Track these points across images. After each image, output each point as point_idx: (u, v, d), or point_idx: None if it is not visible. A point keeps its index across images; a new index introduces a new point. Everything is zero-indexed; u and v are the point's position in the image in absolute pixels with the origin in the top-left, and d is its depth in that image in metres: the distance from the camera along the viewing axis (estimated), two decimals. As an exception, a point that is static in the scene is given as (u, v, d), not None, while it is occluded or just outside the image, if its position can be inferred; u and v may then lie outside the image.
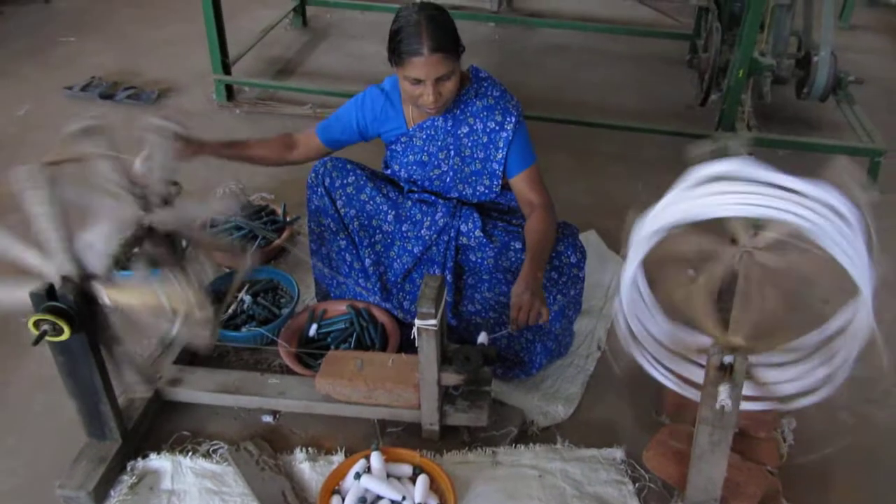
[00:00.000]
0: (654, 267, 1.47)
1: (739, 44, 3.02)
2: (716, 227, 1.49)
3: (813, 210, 1.27)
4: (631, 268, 1.44)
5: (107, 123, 1.63)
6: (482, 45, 4.40)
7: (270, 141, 2.17)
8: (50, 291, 1.52)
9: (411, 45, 1.83)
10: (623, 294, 1.48)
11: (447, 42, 1.85)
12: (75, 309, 1.53)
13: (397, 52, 1.87)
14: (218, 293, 2.05)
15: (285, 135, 2.19)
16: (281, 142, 2.16)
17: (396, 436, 1.94)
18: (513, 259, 2.05)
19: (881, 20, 4.93)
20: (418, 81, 1.87)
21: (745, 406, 1.50)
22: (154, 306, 1.54)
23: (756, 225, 1.53)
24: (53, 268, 1.53)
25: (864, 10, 5.01)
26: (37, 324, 1.53)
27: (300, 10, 4.53)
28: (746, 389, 1.46)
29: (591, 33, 4.51)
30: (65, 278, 1.53)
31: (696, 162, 1.38)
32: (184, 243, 1.82)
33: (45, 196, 1.49)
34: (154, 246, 1.69)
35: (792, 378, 1.46)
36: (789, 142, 3.20)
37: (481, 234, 2.07)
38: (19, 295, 1.54)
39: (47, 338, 1.55)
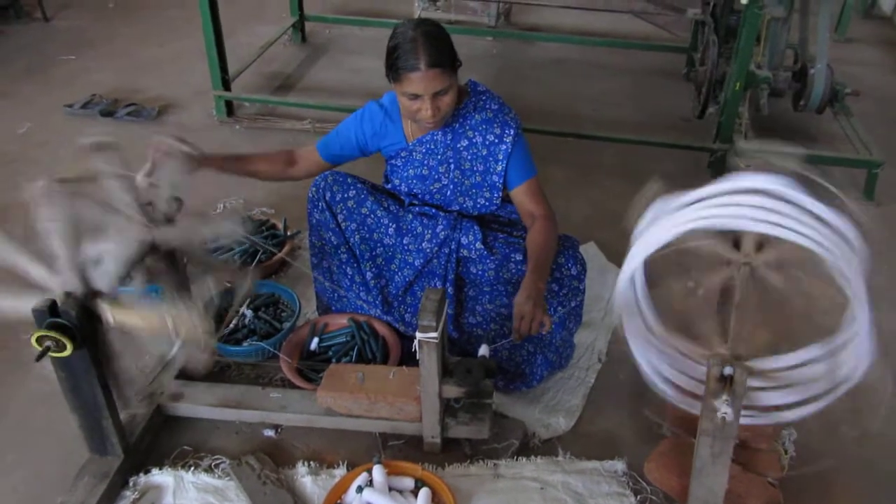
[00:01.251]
0: (654, 274, 1.48)
1: (736, 57, 3.05)
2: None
3: (819, 231, 1.27)
4: (631, 266, 1.44)
5: (116, 141, 1.64)
6: (481, 60, 4.43)
7: (272, 156, 2.19)
8: (52, 308, 1.53)
9: (408, 61, 1.84)
10: (620, 289, 1.47)
11: (444, 57, 1.87)
12: (77, 325, 1.54)
13: (395, 68, 1.88)
14: (218, 310, 2.05)
15: (287, 150, 2.21)
16: (282, 157, 2.18)
17: (398, 449, 1.94)
18: (513, 271, 2.06)
19: (877, 33, 4.96)
20: (416, 97, 1.89)
21: (745, 421, 1.50)
22: (157, 327, 1.54)
23: (762, 241, 1.54)
24: (58, 283, 1.53)
25: (859, 22, 5.04)
26: (40, 340, 1.53)
27: (299, 26, 4.56)
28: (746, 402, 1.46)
29: (589, 47, 4.54)
30: (68, 294, 1.53)
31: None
32: (184, 259, 1.83)
33: (59, 212, 1.50)
34: (155, 262, 1.70)
35: (791, 390, 1.46)
36: (786, 153, 3.21)
37: (482, 247, 2.07)
38: (23, 307, 1.54)
39: (50, 354, 1.56)
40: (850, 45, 4.72)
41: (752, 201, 1.33)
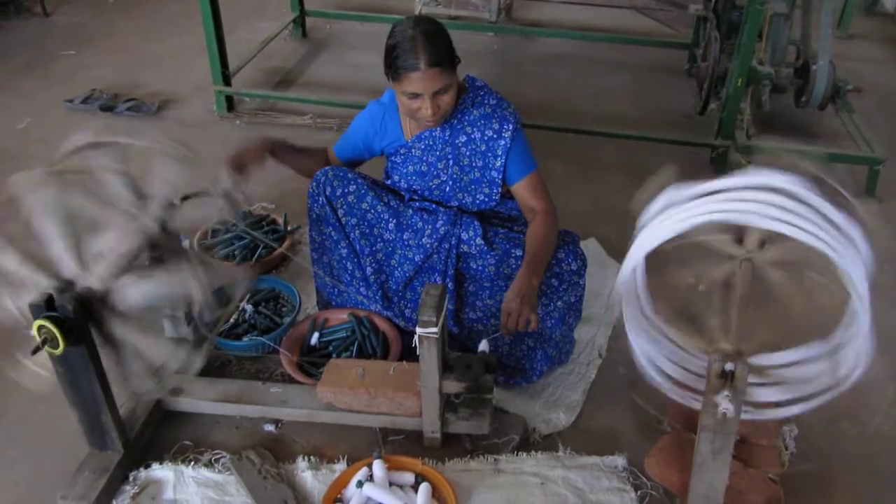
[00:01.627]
0: (654, 266, 1.47)
1: (738, 53, 3.04)
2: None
3: (824, 229, 1.27)
4: (636, 254, 1.43)
5: (113, 139, 1.64)
6: (481, 55, 4.42)
7: (314, 154, 2.26)
8: (49, 301, 1.52)
9: (408, 60, 1.84)
10: (623, 276, 1.47)
11: (443, 56, 1.86)
12: (73, 320, 1.53)
13: (394, 67, 1.88)
14: (220, 297, 2.05)
15: (324, 150, 2.28)
16: (321, 157, 2.26)
17: (398, 444, 1.94)
18: (513, 266, 2.06)
19: (879, 29, 4.95)
20: (416, 96, 1.89)
21: (745, 416, 1.50)
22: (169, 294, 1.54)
23: (766, 238, 1.54)
24: (54, 278, 1.53)
25: (862, 19, 5.04)
26: (40, 332, 1.53)
27: (300, 22, 4.55)
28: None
29: (591, 43, 4.54)
30: (63, 289, 1.53)
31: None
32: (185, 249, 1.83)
33: (49, 203, 1.49)
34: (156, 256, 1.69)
35: (791, 387, 1.46)
36: (788, 149, 3.21)
37: (482, 242, 2.07)
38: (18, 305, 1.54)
39: (46, 349, 1.55)
40: (853, 42, 4.71)
41: (760, 197, 1.32)
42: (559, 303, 2.03)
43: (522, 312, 1.82)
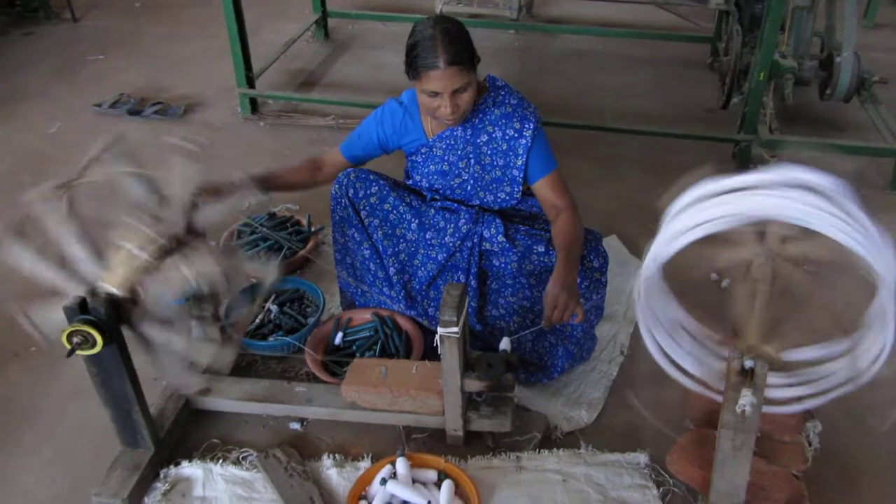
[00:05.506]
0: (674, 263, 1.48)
1: (760, 46, 3.02)
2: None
3: (852, 226, 1.27)
4: (656, 258, 1.44)
5: (129, 143, 1.67)
6: (502, 53, 4.43)
7: (299, 167, 2.23)
8: (83, 305, 1.57)
9: (428, 58, 1.86)
10: (643, 279, 1.47)
11: (463, 54, 1.88)
12: (106, 321, 1.57)
13: (414, 65, 1.90)
14: (247, 294, 2.08)
15: (311, 158, 2.25)
16: (308, 166, 2.23)
17: (422, 442, 1.97)
18: (535, 263, 2.07)
19: (907, 18, 4.88)
20: (435, 94, 1.90)
21: (767, 409, 1.50)
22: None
23: (787, 235, 1.53)
24: (83, 284, 1.57)
25: (889, 8, 4.95)
26: (69, 337, 1.57)
27: (322, 23, 4.58)
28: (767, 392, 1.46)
29: (611, 38, 4.52)
30: (95, 292, 1.57)
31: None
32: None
33: (62, 215, 1.53)
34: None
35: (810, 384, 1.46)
36: (813, 143, 3.18)
37: (504, 240, 2.09)
38: (54, 316, 1.58)
39: (79, 351, 1.60)
40: (879, 31, 4.64)
41: (783, 194, 1.32)
42: (581, 300, 2.04)
43: (569, 306, 1.84)
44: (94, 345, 1.58)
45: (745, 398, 1.42)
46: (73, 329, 1.56)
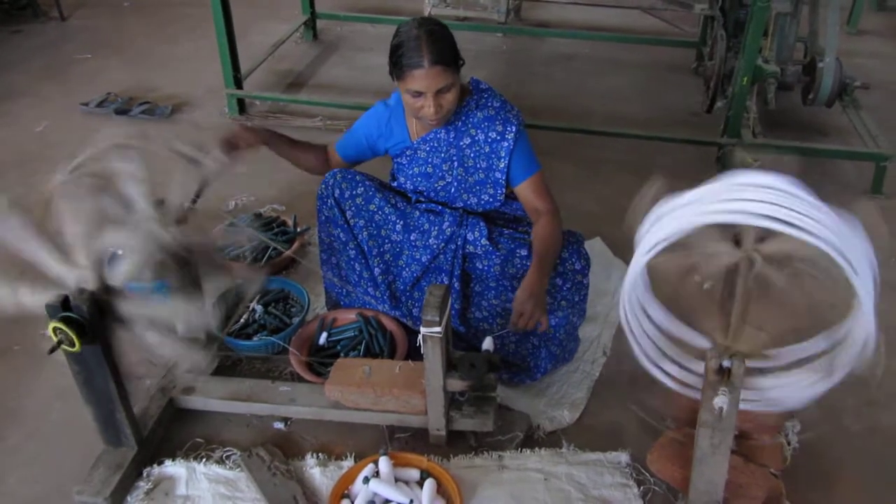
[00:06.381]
0: (657, 267, 1.50)
1: (743, 51, 3.05)
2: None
3: (825, 227, 1.29)
4: (639, 262, 1.46)
5: (139, 144, 1.67)
6: (490, 56, 4.45)
7: (317, 149, 2.27)
8: (65, 302, 1.57)
9: (412, 58, 1.88)
10: (627, 284, 1.49)
11: (447, 55, 1.90)
12: (88, 320, 1.57)
13: (398, 65, 1.92)
14: (228, 306, 2.09)
15: (323, 147, 2.28)
16: (324, 154, 2.27)
17: (405, 441, 1.98)
18: (518, 266, 2.09)
19: (890, 24, 4.93)
20: (419, 94, 1.92)
21: (744, 407, 1.52)
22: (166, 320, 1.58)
23: (763, 236, 1.55)
24: (74, 277, 1.57)
25: (872, 14, 5.02)
26: (56, 332, 1.58)
27: (311, 24, 4.59)
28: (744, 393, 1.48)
29: (599, 42, 4.55)
30: (82, 290, 1.57)
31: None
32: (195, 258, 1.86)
33: (81, 204, 1.53)
34: (168, 260, 1.73)
35: (791, 382, 1.48)
36: (795, 148, 3.21)
37: (487, 243, 2.10)
38: (39, 300, 1.58)
39: (62, 347, 1.60)
40: (863, 38, 4.70)
41: (760, 197, 1.34)
42: (563, 302, 2.06)
43: (534, 314, 1.87)
44: (72, 344, 1.58)
45: (722, 397, 1.44)
46: (54, 326, 1.56)
